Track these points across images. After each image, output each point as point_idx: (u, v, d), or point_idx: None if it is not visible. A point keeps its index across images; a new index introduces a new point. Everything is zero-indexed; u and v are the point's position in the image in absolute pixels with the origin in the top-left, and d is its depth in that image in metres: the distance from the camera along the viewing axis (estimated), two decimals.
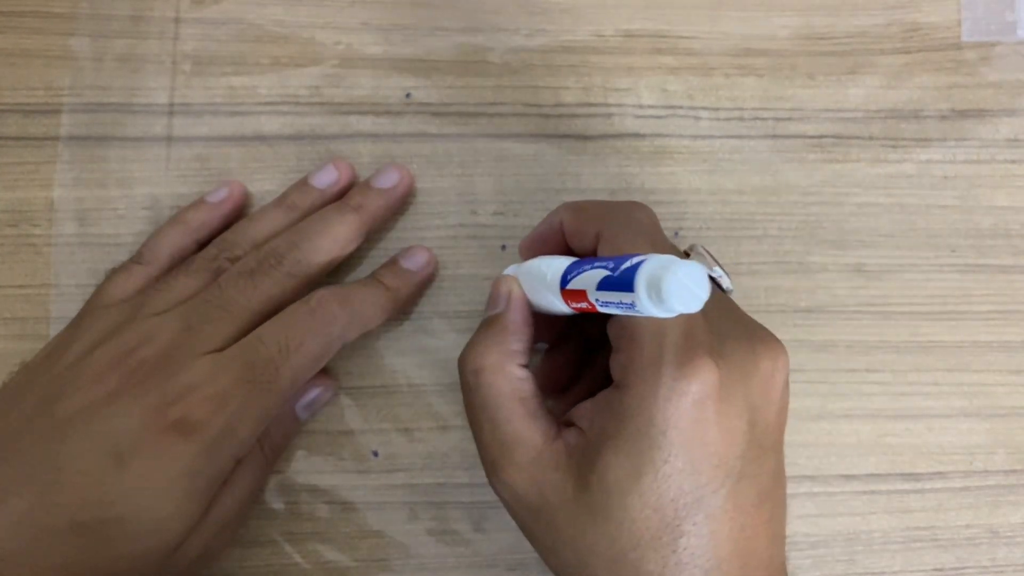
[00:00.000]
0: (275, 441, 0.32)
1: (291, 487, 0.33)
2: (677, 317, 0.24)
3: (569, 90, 0.35)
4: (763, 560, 0.26)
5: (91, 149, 0.34)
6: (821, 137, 0.36)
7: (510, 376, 0.27)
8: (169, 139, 0.34)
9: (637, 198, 0.35)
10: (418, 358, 0.34)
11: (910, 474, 0.34)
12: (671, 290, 0.20)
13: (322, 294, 0.30)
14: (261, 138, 0.35)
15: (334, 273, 0.33)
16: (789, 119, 0.36)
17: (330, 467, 0.33)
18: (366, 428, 0.33)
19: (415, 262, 0.33)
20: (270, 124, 0.35)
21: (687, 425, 0.24)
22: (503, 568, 0.33)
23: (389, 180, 0.33)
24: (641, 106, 0.35)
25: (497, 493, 0.27)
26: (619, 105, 0.35)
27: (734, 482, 0.25)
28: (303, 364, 0.29)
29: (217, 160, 0.34)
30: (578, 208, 0.29)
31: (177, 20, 0.35)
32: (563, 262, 0.26)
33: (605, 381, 0.27)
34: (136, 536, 0.27)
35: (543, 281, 0.27)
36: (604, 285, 0.23)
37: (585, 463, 0.25)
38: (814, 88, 0.36)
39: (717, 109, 0.36)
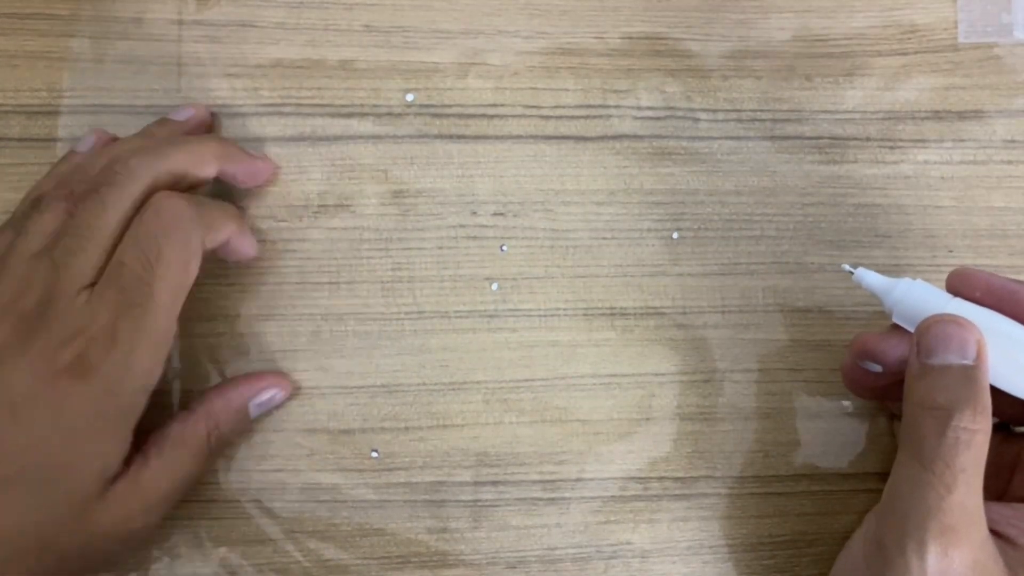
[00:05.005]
0: (222, 433, 0.31)
1: (292, 486, 0.33)
2: None
3: (568, 92, 0.36)
4: None
5: None
6: (819, 138, 0.36)
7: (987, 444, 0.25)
8: None
9: (635, 199, 0.35)
10: (418, 358, 0.34)
11: None
12: None
13: (159, 193, 0.29)
14: (262, 139, 0.35)
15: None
16: (787, 120, 0.36)
17: (331, 466, 0.33)
18: (366, 427, 0.34)
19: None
20: (272, 126, 0.35)
21: None
22: (503, 566, 0.33)
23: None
24: (640, 108, 0.36)
25: (921, 557, 0.25)
26: (618, 107, 0.36)
27: None
28: (173, 272, 0.28)
29: None
30: None
31: (179, 22, 0.35)
32: None
33: None
34: (49, 486, 0.26)
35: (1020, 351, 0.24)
36: None
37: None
38: (812, 90, 0.36)
39: (715, 111, 0.36)
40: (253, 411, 0.32)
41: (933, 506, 0.24)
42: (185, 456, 0.30)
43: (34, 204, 0.30)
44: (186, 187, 0.31)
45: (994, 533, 0.25)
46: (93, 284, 0.28)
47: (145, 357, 0.28)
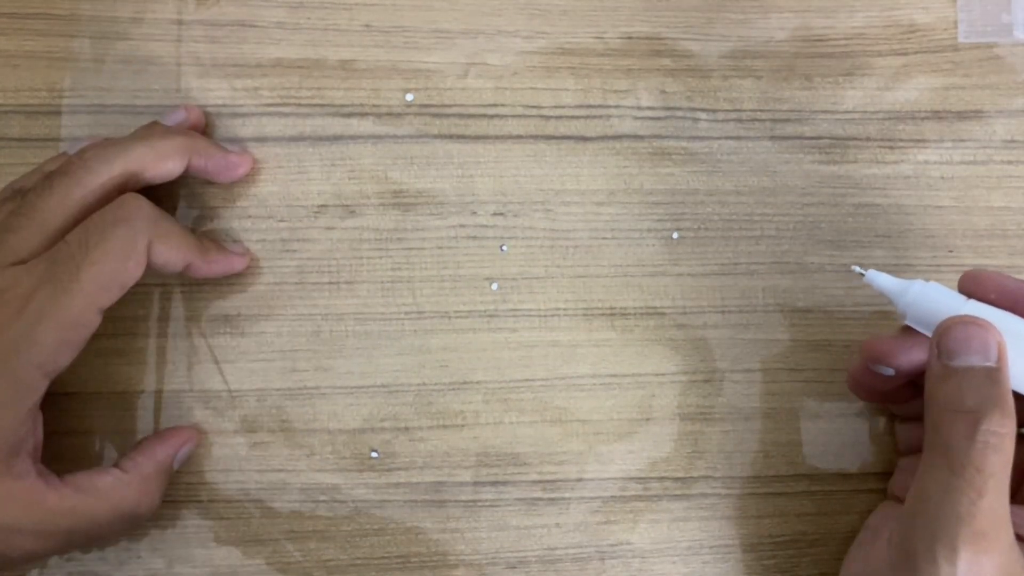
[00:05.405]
0: (151, 500, 0.30)
1: (292, 486, 0.33)
2: None
3: (568, 92, 0.36)
4: None
5: None
6: (819, 138, 0.36)
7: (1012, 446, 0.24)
8: None
9: (635, 199, 0.35)
10: (418, 358, 0.34)
11: None
12: None
13: (128, 193, 0.29)
14: (262, 139, 0.35)
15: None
16: (787, 120, 0.36)
17: (331, 466, 0.33)
18: (366, 427, 0.34)
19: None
20: (272, 126, 0.35)
21: None
22: (503, 566, 0.33)
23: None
24: (640, 108, 0.36)
25: (952, 563, 0.24)
26: (618, 107, 0.36)
27: None
28: (108, 261, 0.28)
29: None
30: None
31: (179, 22, 0.35)
32: None
33: None
34: None
35: None
36: None
37: None
38: (812, 90, 0.36)
39: (715, 111, 0.36)
40: (176, 465, 0.32)
41: (964, 512, 0.24)
42: (102, 509, 0.29)
43: (4, 192, 0.31)
44: (151, 183, 0.31)
45: (1016, 537, 0.25)
46: (23, 262, 0.28)
47: (50, 334, 0.27)
